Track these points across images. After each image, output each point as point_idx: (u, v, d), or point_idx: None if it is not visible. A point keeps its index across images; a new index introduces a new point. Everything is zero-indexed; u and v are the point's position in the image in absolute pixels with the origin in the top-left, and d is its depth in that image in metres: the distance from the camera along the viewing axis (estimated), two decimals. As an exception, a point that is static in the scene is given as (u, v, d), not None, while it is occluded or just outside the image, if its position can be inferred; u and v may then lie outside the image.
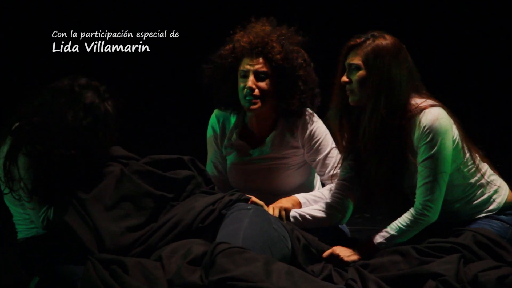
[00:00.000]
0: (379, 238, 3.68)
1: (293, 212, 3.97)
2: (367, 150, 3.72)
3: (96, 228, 3.65)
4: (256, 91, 4.03)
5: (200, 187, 3.90)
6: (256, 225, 3.60)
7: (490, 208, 3.83)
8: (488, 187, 3.82)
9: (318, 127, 4.15)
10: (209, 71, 4.16)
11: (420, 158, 3.66)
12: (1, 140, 3.79)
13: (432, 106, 3.67)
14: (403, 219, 3.70)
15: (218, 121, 4.27)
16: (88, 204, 3.70)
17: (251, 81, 4.02)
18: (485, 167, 3.84)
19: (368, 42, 3.67)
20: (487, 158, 3.87)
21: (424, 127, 3.64)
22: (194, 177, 3.90)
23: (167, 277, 3.36)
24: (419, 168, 3.67)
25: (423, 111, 3.65)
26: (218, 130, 4.27)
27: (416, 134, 3.67)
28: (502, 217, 3.83)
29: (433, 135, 3.63)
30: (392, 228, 3.70)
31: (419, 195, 3.68)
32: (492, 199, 3.83)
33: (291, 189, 4.18)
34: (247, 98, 4.04)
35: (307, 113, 4.17)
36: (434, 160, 3.63)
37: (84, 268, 3.43)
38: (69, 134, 3.71)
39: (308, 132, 4.14)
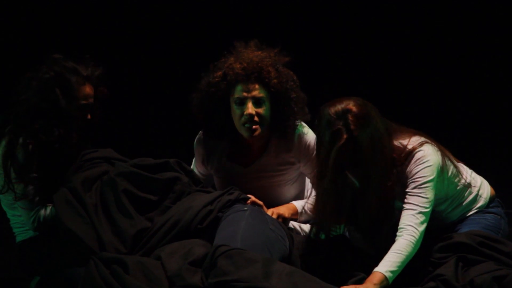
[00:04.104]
0: (385, 268, 3.56)
1: (290, 224, 3.99)
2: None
3: (95, 227, 3.67)
4: (256, 118, 3.96)
5: (189, 187, 3.88)
6: (253, 227, 3.61)
7: (479, 205, 3.91)
8: (473, 185, 3.90)
9: (312, 139, 4.11)
10: (198, 100, 4.07)
11: (409, 189, 3.67)
12: None
13: (420, 144, 3.69)
14: (399, 246, 3.61)
15: (205, 143, 4.18)
16: (84, 205, 3.72)
17: (250, 108, 3.95)
18: (463, 167, 3.92)
19: (344, 122, 3.57)
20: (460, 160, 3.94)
21: (414, 169, 3.66)
22: (178, 178, 3.87)
23: (167, 274, 3.36)
24: (407, 199, 3.66)
25: (412, 154, 3.67)
26: (205, 152, 4.18)
27: (407, 172, 3.69)
28: (491, 209, 3.91)
29: (422, 178, 3.66)
30: (393, 257, 3.60)
31: (408, 220, 3.64)
32: (479, 196, 3.91)
33: (286, 202, 4.15)
34: (247, 125, 3.97)
35: (298, 126, 4.12)
36: (423, 193, 3.65)
37: (85, 267, 3.42)
38: (46, 114, 3.81)
39: (303, 146, 4.11)
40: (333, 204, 3.68)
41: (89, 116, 3.95)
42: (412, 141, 3.71)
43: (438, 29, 6.99)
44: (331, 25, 6.95)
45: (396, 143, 3.71)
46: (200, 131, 4.20)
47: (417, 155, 3.67)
